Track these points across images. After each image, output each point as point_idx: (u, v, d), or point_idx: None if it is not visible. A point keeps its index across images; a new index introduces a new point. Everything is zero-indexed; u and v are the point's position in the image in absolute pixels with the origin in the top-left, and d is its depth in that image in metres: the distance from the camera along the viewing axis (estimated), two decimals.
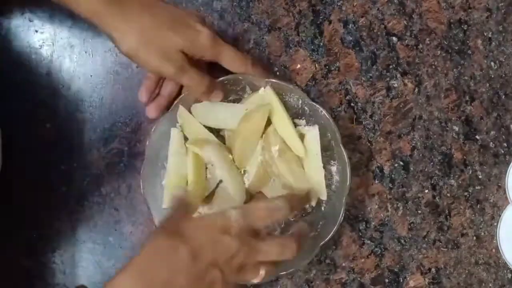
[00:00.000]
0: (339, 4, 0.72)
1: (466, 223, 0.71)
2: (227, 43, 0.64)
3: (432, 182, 0.71)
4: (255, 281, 0.58)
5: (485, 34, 0.72)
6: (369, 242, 0.70)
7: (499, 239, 0.70)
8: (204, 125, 0.67)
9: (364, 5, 0.72)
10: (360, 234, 0.70)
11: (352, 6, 0.72)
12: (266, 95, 0.66)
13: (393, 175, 0.71)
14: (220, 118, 0.67)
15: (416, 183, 0.71)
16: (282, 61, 0.72)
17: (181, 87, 0.68)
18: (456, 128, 0.71)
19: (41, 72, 0.71)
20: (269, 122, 0.67)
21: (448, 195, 0.71)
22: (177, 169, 0.66)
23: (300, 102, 0.66)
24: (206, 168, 0.67)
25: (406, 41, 0.72)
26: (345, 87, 0.71)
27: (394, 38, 0.72)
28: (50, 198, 0.70)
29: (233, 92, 0.67)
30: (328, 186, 0.66)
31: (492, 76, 0.72)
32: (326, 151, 0.66)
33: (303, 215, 0.68)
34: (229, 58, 0.64)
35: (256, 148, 0.66)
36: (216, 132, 0.68)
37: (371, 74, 0.72)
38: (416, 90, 0.72)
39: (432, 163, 0.71)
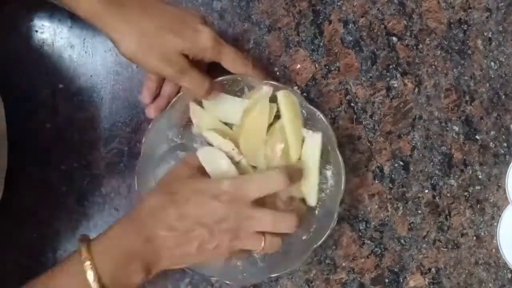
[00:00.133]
0: (339, 4, 0.72)
1: (466, 223, 0.71)
2: (228, 43, 0.64)
3: (432, 182, 0.71)
4: (258, 251, 0.60)
5: (485, 34, 0.72)
6: (369, 242, 0.70)
7: (499, 239, 0.70)
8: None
9: (364, 5, 0.72)
10: (360, 234, 0.70)
11: (352, 6, 0.72)
12: (287, 94, 0.66)
13: (393, 175, 0.71)
14: (230, 112, 0.67)
15: (416, 183, 0.71)
16: (282, 61, 0.72)
17: (180, 86, 0.68)
18: (456, 128, 0.71)
19: (41, 72, 0.71)
20: (276, 119, 0.66)
21: (448, 195, 0.71)
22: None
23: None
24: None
25: (406, 41, 0.72)
26: (345, 87, 0.71)
27: (394, 38, 0.72)
28: (50, 198, 0.70)
29: (231, 93, 0.67)
30: (322, 190, 0.66)
31: (492, 76, 0.72)
32: (322, 154, 0.66)
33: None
34: (230, 59, 0.64)
35: (262, 143, 0.66)
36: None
37: (371, 74, 0.72)
38: (416, 90, 0.72)
39: (432, 163, 0.71)
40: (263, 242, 0.59)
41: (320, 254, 0.70)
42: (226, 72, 0.66)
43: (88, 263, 0.55)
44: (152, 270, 0.59)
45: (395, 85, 0.72)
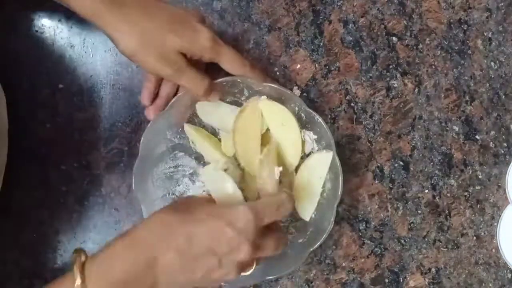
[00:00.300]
0: (339, 4, 0.72)
1: (466, 223, 0.71)
2: (227, 44, 0.64)
3: (432, 182, 0.71)
4: (243, 274, 0.58)
5: (485, 34, 0.72)
6: (369, 242, 0.70)
7: (499, 239, 0.70)
8: (206, 125, 0.68)
9: (364, 5, 0.72)
10: (360, 234, 0.70)
11: (352, 6, 0.72)
12: (269, 104, 0.66)
13: (393, 175, 0.71)
14: (223, 118, 0.67)
15: (416, 183, 0.71)
16: (282, 61, 0.72)
17: (179, 86, 0.68)
18: (456, 128, 0.71)
19: (41, 72, 0.71)
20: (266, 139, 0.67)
21: (448, 195, 0.71)
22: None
23: (297, 109, 0.66)
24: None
25: (406, 41, 0.72)
26: (345, 87, 0.71)
27: (394, 38, 0.72)
28: (50, 198, 0.70)
29: (230, 94, 0.67)
30: (319, 193, 0.66)
31: (492, 76, 0.72)
32: None
33: (293, 220, 0.68)
34: (228, 60, 0.64)
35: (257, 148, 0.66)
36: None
37: (371, 74, 0.72)
38: (416, 90, 0.72)
39: (432, 163, 0.71)
40: (254, 265, 0.58)
41: (320, 254, 0.70)
42: (224, 73, 0.66)
43: (80, 285, 0.52)
44: None
45: (395, 85, 0.72)
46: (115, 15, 0.59)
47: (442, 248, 0.70)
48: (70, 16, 0.71)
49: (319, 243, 0.64)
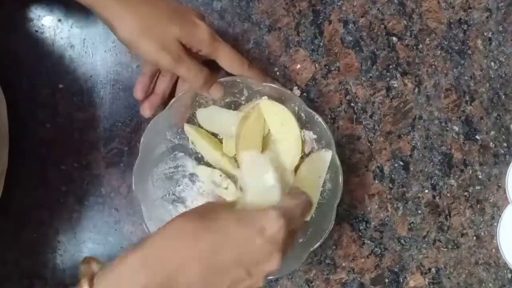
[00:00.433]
0: (339, 4, 0.72)
1: (466, 223, 0.71)
2: (225, 42, 0.64)
3: (432, 182, 0.71)
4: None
5: (485, 34, 0.72)
6: (369, 242, 0.70)
7: (499, 239, 0.70)
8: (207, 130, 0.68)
9: (364, 5, 0.72)
10: (360, 234, 0.70)
11: (352, 6, 0.72)
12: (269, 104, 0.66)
13: (393, 175, 0.71)
14: (224, 124, 0.67)
15: (416, 183, 0.71)
16: (282, 61, 0.72)
17: (175, 85, 0.68)
18: (456, 128, 0.71)
19: (41, 72, 0.71)
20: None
21: (448, 195, 0.71)
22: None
23: (297, 108, 0.66)
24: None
25: (406, 41, 0.72)
26: (345, 87, 0.71)
27: (394, 38, 0.72)
28: (50, 198, 0.70)
29: (230, 94, 0.67)
30: (319, 193, 0.66)
31: (492, 76, 0.72)
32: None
33: None
34: (226, 57, 0.63)
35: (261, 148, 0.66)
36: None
37: (371, 74, 0.72)
38: (416, 90, 0.72)
39: (432, 163, 0.71)
40: None
41: (320, 254, 0.70)
42: (225, 74, 0.66)
43: None
44: None
45: (395, 85, 0.72)
46: (116, 1, 0.59)
47: (442, 248, 0.70)
48: (70, 16, 0.71)
49: (319, 243, 0.64)
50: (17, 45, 0.71)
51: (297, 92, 0.71)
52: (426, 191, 0.71)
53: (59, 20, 0.71)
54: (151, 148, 0.67)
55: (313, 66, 0.72)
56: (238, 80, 0.66)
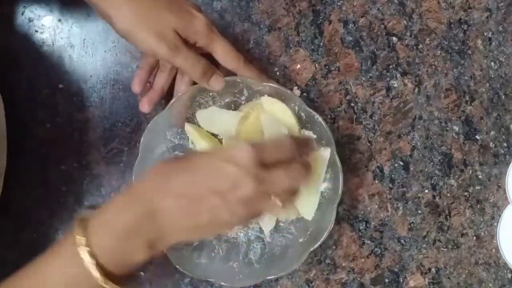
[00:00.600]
0: (339, 4, 0.72)
1: (466, 223, 0.71)
2: (222, 36, 0.63)
3: (432, 182, 0.71)
4: (274, 214, 0.58)
5: (485, 34, 0.72)
6: (369, 242, 0.70)
7: (499, 239, 0.70)
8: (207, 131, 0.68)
9: (364, 5, 0.72)
10: (360, 234, 0.70)
11: (352, 6, 0.72)
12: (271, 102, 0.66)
13: (393, 175, 0.71)
14: (224, 125, 0.67)
15: (416, 183, 0.71)
16: (282, 61, 0.72)
17: (174, 81, 0.67)
18: (456, 128, 0.71)
19: (41, 72, 0.71)
20: None
21: (448, 195, 0.71)
22: None
23: (297, 108, 0.66)
24: None
25: (406, 41, 0.72)
26: (345, 87, 0.71)
27: (394, 38, 0.72)
28: (50, 198, 0.70)
29: (230, 94, 0.67)
30: (319, 192, 0.66)
31: (492, 76, 0.72)
32: None
33: (293, 220, 0.67)
34: (222, 50, 0.63)
35: None
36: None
37: (371, 74, 0.72)
38: (416, 90, 0.72)
39: (432, 163, 0.71)
40: (277, 201, 0.55)
41: (320, 254, 0.70)
42: (226, 74, 0.66)
43: (82, 241, 0.51)
44: (158, 246, 0.53)
45: (395, 85, 0.72)
46: None
47: (442, 248, 0.70)
48: (70, 16, 0.71)
49: (319, 242, 0.64)
50: (17, 45, 0.71)
51: (297, 92, 0.71)
52: (426, 191, 0.71)
53: (59, 20, 0.72)
54: (151, 148, 0.67)
55: (313, 66, 0.72)
56: (238, 80, 0.66)
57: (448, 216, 0.71)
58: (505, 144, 0.71)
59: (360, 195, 0.71)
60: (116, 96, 0.71)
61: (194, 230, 0.54)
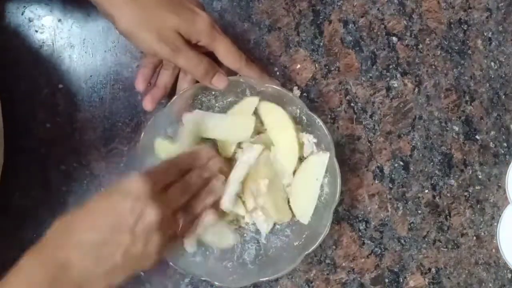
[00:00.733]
0: (339, 4, 0.72)
1: (466, 223, 0.71)
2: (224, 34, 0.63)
3: (432, 182, 0.71)
4: (200, 229, 0.60)
5: (485, 34, 0.72)
6: (369, 242, 0.70)
7: (499, 239, 0.70)
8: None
9: (364, 5, 0.72)
10: (360, 234, 0.70)
11: (352, 6, 0.72)
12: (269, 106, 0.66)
13: (393, 175, 0.71)
14: (211, 128, 0.66)
15: (416, 183, 0.71)
16: (282, 61, 0.72)
17: (177, 78, 0.67)
18: (456, 128, 0.71)
19: (41, 72, 0.71)
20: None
21: (448, 195, 0.71)
22: None
23: (298, 111, 0.65)
24: None
25: (406, 41, 0.72)
26: (345, 87, 0.71)
27: (394, 38, 0.72)
28: (50, 198, 0.70)
29: (233, 93, 0.67)
30: (317, 196, 0.66)
31: (492, 76, 0.72)
32: None
33: (289, 223, 0.67)
34: (224, 49, 0.62)
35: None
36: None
37: (371, 74, 0.72)
38: (416, 90, 0.72)
39: (432, 163, 0.71)
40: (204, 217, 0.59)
41: (320, 254, 0.70)
42: (227, 74, 0.65)
43: None
44: None
45: (395, 85, 0.72)
46: None
47: (442, 248, 0.70)
48: (70, 16, 0.71)
49: (314, 247, 0.63)
50: (17, 45, 0.71)
51: (297, 92, 0.71)
52: (426, 191, 0.71)
53: (59, 20, 0.71)
54: (151, 146, 0.66)
55: (313, 66, 0.72)
56: (241, 80, 0.65)
57: (448, 216, 0.71)
58: (505, 144, 0.71)
59: (360, 195, 0.71)
60: (116, 96, 0.71)
61: (115, 272, 0.53)
